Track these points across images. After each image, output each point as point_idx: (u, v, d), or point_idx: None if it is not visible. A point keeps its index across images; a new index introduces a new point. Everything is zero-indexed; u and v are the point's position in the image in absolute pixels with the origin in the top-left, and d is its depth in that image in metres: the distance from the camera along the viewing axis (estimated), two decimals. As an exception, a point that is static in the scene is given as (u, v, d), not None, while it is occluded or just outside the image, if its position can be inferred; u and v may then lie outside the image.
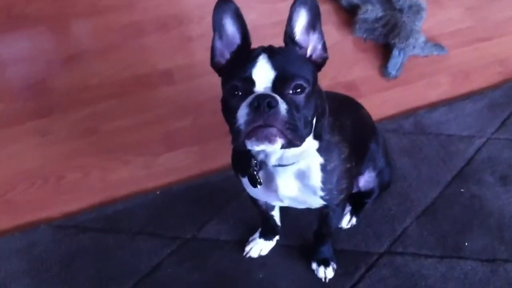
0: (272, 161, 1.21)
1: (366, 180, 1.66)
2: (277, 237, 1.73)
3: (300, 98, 1.08)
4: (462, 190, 1.84)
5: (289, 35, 1.14)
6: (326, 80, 1.94)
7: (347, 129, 1.34)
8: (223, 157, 1.93)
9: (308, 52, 1.17)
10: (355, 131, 1.40)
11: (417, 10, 2.31)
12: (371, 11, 2.33)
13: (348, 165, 1.32)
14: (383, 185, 1.71)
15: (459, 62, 2.29)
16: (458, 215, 1.78)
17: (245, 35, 1.16)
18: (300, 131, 1.08)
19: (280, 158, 1.20)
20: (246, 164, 1.26)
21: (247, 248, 1.71)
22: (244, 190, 1.63)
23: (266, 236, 1.72)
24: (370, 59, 2.29)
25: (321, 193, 1.29)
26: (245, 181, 1.33)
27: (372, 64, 2.27)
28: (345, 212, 1.72)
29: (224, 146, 1.96)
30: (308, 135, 1.13)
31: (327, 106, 1.22)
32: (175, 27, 2.46)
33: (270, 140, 1.04)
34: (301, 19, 1.14)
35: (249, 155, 1.24)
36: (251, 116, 1.04)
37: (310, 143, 1.19)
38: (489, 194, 1.83)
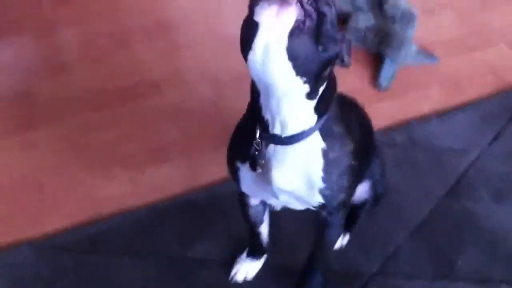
0: (277, 127, 1.13)
1: (360, 190, 1.60)
2: (264, 257, 1.68)
3: (329, 11, 0.99)
4: (455, 205, 1.81)
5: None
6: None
7: (352, 127, 1.28)
8: (212, 173, 1.90)
9: None
10: (360, 131, 1.35)
11: (409, 18, 2.27)
12: (363, 20, 2.29)
13: (352, 162, 1.26)
14: (377, 196, 1.67)
15: (451, 71, 2.26)
16: (451, 232, 1.75)
17: None
18: (320, 32, 0.98)
19: (283, 124, 1.12)
20: (248, 144, 1.19)
21: (232, 272, 1.66)
22: (234, 201, 1.58)
23: (254, 255, 1.67)
24: (361, 70, 2.25)
25: (321, 185, 1.22)
26: (243, 169, 1.27)
27: (364, 74, 2.23)
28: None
29: (212, 161, 1.94)
30: (315, 76, 1.05)
31: (335, 91, 1.17)
32: (161, 36, 2.41)
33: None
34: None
35: (253, 128, 1.17)
36: None
37: (311, 116, 1.13)
38: (482, 210, 1.80)
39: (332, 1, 1.01)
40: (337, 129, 1.20)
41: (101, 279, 1.66)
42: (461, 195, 1.84)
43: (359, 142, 1.30)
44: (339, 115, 1.20)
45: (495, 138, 1.99)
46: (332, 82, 1.15)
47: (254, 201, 1.48)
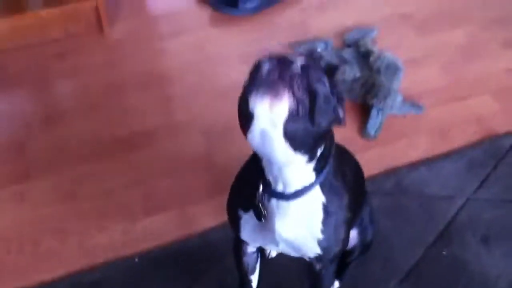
0: (279, 186, 1.18)
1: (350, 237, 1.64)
2: None
3: (321, 88, 1.03)
4: (444, 251, 1.84)
5: None
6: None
7: (348, 177, 1.33)
8: (205, 221, 1.92)
9: None
10: (354, 182, 1.40)
11: (394, 70, 2.35)
12: (349, 72, 2.36)
13: (348, 215, 1.31)
14: (366, 244, 1.70)
15: (436, 121, 2.32)
16: (441, 278, 1.78)
17: None
18: (313, 115, 1.02)
19: (285, 184, 1.17)
20: (250, 195, 1.24)
21: None
22: (225, 250, 1.61)
23: None
24: (349, 120, 2.25)
25: (320, 237, 1.27)
26: (244, 218, 1.31)
27: (351, 124, 2.28)
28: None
29: (205, 209, 1.97)
30: (312, 147, 1.10)
31: (333, 147, 1.21)
32: (155, 87, 2.46)
33: (277, 91, 0.99)
34: None
35: (255, 182, 1.21)
36: (273, 67, 1.02)
37: (310, 174, 1.17)
38: (471, 256, 1.83)
39: (322, 74, 1.05)
40: (335, 182, 1.25)
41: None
42: (450, 241, 1.87)
43: (353, 192, 1.35)
44: (337, 168, 1.24)
45: (481, 185, 2.03)
46: (329, 139, 1.19)
47: (250, 249, 1.51)
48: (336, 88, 1.12)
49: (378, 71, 2.35)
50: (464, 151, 2.16)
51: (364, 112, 2.31)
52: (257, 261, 1.57)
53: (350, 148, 2.17)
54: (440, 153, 2.18)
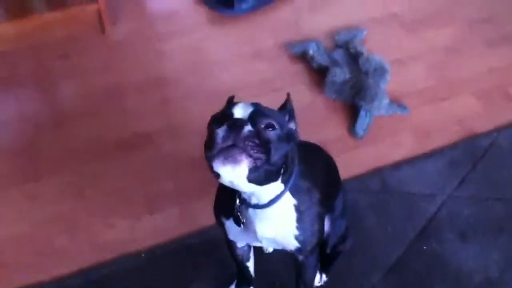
0: (253, 200, 1.35)
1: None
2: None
3: (271, 133, 1.22)
4: (424, 247, 2.00)
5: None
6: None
7: (318, 176, 1.51)
8: (203, 218, 2.06)
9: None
10: (324, 177, 1.58)
11: (381, 72, 2.48)
12: (339, 74, 2.50)
13: (320, 210, 1.49)
14: (340, 235, 1.81)
15: (421, 121, 2.46)
16: (421, 273, 1.94)
17: None
18: (269, 160, 1.20)
19: (258, 198, 1.34)
20: (230, 205, 1.41)
21: None
22: (223, 245, 1.77)
23: (241, 286, 1.85)
24: (339, 119, 2.45)
25: (296, 232, 1.44)
26: (228, 224, 1.49)
27: (341, 124, 2.43)
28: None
29: (203, 207, 2.11)
30: (275, 177, 1.28)
31: (296, 157, 1.38)
32: (153, 90, 2.57)
33: (235, 159, 1.15)
34: None
35: (233, 195, 1.38)
36: (226, 134, 1.17)
37: (279, 186, 1.34)
38: (449, 252, 1.99)
39: (269, 115, 1.23)
40: (304, 184, 1.43)
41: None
42: (430, 237, 2.02)
43: (325, 186, 1.54)
44: (304, 170, 1.42)
45: (460, 184, 2.18)
46: (291, 152, 1.34)
47: (240, 245, 1.69)
48: (289, 111, 1.36)
49: (367, 73, 2.48)
50: (445, 151, 2.31)
51: (353, 112, 2.45)
52: (250, 251, 1.74)
53: (340, 146, 2.34)
54: (423, 153, 2.33)
